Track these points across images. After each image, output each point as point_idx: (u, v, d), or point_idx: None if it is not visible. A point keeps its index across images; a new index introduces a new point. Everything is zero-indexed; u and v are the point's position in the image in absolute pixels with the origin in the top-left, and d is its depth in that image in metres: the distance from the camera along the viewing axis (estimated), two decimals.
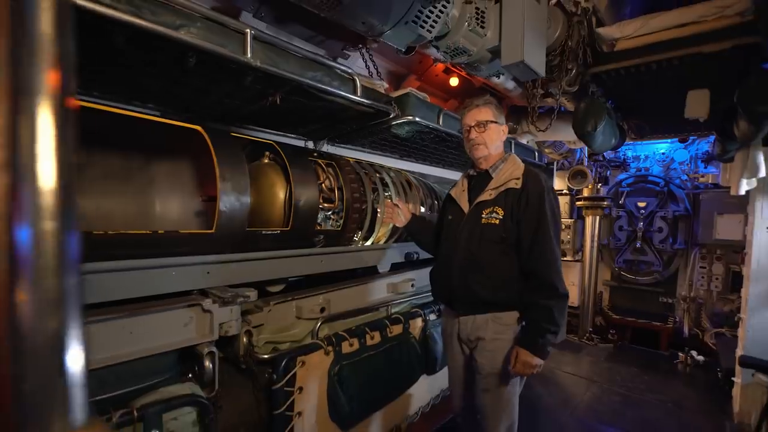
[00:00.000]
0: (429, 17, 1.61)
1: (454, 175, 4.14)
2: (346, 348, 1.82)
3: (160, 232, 1.35)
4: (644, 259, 5.26)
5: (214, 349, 1.36)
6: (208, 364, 1.34)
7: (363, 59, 2.52)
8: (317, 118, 2.08)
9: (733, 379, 3.22)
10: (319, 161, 2.06)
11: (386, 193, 2.60)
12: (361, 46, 2.63)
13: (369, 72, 2.54)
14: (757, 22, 2.00)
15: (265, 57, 1.46)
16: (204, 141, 1.59)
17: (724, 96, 2.54)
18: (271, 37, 1.50)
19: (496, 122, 1.72)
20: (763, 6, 1.95)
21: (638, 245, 5.23)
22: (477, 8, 1.89)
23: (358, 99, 1.81)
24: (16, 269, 0.26)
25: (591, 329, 5.29)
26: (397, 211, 2.05)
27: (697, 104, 2.63)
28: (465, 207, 1.75)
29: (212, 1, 2.05)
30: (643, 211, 5.22)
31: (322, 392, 1.71)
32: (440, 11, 1.62)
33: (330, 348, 1.74)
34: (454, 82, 3.41)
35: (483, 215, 1.66)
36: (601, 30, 2.49)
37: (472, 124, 1.72)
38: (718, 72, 2.37)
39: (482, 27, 1.94)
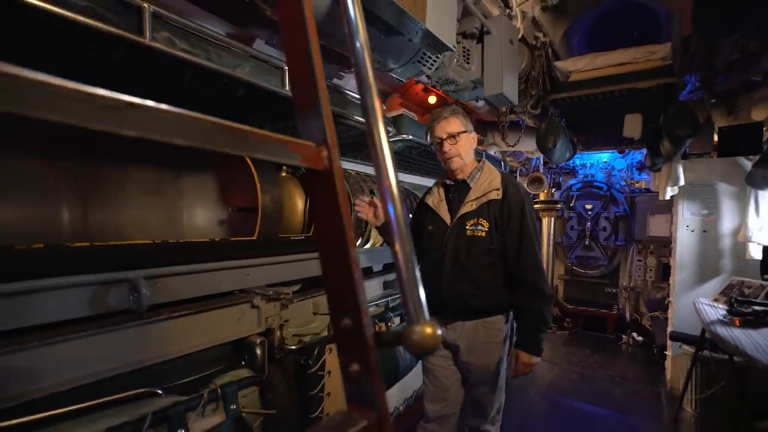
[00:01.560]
0: (431, 58, 1.94)
1: (428, 182, 4.53)
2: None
3: (216, 240, 1.56)
4: (592, 254, 5.97)
5: (264, 339, 1.59)
6: (259, 352, 1.57)
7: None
8: None
9: (666, 352, 3.87)
10: None
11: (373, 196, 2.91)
12: (354, 69, 2.92)
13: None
14: (674, 66, 2.56)
15: None
16: (227, 156, 1.82)
17: (654, 119, 3.14)
18: None
19: (466, 131, 1.76)
20: (678, 54, 2.51)
21: (587, 243, 5.93)
22: (464, 48, 2.27)
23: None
24: (391, 233, 0.55)
25: None
26: (373, 210, 1.89)
27: (633, 126, 3.20)
28: (446, 218, 1.78)
29: (228, 29, 2.26)
30: (590, 213, 5.93)
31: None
32: (439, 53, 1.96)
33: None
34: (432, 99, 3.80)
35: (467, 227, 1.70)
36: (558, 63, 2.98)
37: (444, 136, 1.74)
38: (649, 101, 2.93)
39: (467, 63, 2.32)
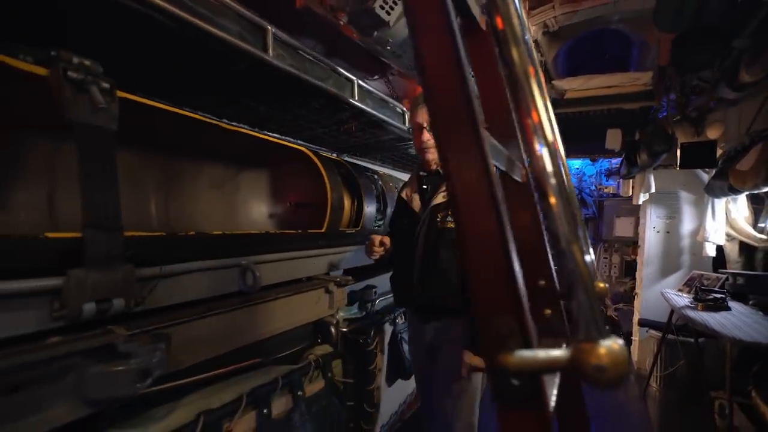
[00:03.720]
0: None
1: None
2: (399, 320, 2.36)
3: (299, 232, 1.76)
4: None
5: (339, 318, 1.81)
6: (334, 331, 1.78)
7: (388, 87, 3.06)
8: (364, 139, 2.59)
9: (632, 338, 4.42)
10: (371, 175, 2.57)
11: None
12: (377, 77, 3.17)
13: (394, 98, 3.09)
14: (653, 91, 3.03)
15: (363, 99, 1.96)
16: (281, 155, 2.07)
17: (630, 134, 3.63)
18: (366, 85, 2.00)
19: None
20: (655, 80, 2.97)
21: None
22: None
23: (407, 128, 2.38)
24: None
25: None
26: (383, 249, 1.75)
27: (614, 139, 3.67)
28: (418, 209, 1.67)
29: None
30: None
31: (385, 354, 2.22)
32: None
33: (391, 320, 2.27)
34: None
35: (438, 218, 1.58)
36: (555, 82, 3.38)
37: (425, 124, 1.63)
38: (630, 119, 3.41)
39: None
